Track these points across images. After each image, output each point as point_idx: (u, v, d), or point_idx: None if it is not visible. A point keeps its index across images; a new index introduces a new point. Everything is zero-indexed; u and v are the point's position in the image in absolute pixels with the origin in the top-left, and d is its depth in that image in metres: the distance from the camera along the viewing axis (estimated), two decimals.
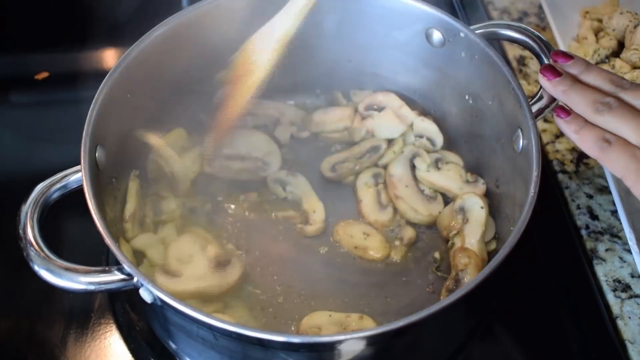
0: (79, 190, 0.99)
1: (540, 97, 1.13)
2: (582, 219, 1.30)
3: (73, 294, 1.19)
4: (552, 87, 1.02)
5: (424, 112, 1.34)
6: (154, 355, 1.15)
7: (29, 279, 1.11)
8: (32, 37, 1.65)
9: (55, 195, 1.00)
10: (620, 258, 1.25)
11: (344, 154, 1.31)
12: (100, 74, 1.12)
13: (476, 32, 1.19)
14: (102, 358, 1.15)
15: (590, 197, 1.33)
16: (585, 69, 1.02)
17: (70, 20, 1.68)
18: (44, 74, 1.55)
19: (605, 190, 1.33)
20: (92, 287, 0.92)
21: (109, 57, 1.63)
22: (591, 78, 1.02)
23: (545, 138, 1.41)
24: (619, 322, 1.17)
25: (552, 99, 1.12)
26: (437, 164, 1.28)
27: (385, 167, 1.30)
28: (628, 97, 0.98)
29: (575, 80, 1.02)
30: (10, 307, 1.21)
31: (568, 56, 1.04)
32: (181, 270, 1.11)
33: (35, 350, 1.16)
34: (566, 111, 1.01)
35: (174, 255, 1.13)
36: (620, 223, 1.22)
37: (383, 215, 1.23)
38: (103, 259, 1.23)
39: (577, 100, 1.00)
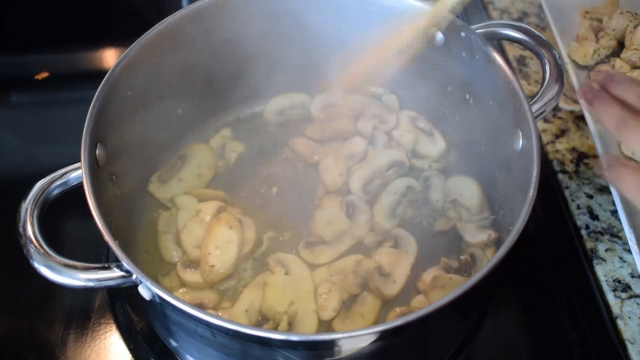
0: (80, 188, 1.00)
1: (540, 97, 1.13)
2: (582, 219, 1.29)
3: (73, 293, 1.20)
4: (582, 100, 0.99)
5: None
6: (154, 355, 1.15)
7: (29, 279, 1.12)
8: (32, 37, 1.66)
9: (56, 192, 1.01)
10: (620, 258, 1.24)
11: (366, 171, 1.29)
12: (100, 74, 1.12)
13: (477, 31, 1.19)
14: (102, 358, 1.15)
15: (590, 197, 1.33)
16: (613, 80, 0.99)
17: (70, 20, 1.68)
18: (44, 74, 1.56)
19: (605, 190, 1.33)
20: (91, 284, 0.92)
21: (109, 57, 1.64)
22: (618, 90, 0.99)
23: (545, 138, 1.41)
24: (619, 322, 1.17)
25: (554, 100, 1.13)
26: None
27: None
28: None
29: (602, 91, 0.98)
30: (10, 307, 1.21)
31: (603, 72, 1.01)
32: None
33: (35, 350, 1.16)
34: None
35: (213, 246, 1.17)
36: (620, 223, 1.22)
37: (387, 223, 1.23)
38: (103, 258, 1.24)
39: (600, 114, 0.97)
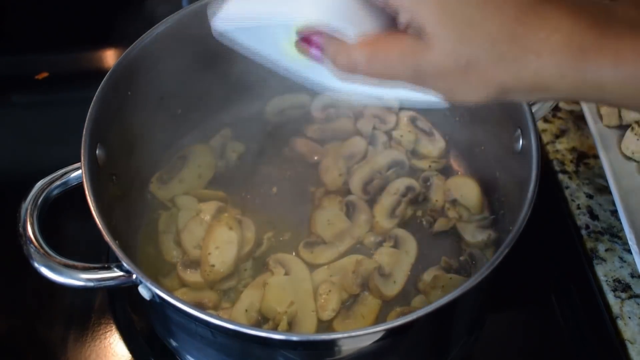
0: (80, 188, 1.00)
1: None
2: (582, 219, 1.29)
3: (73, 294, 1.20)
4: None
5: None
6: (153, 355, 1.15)
7: (29, 279, 1.12)
8: (32, 37, 1.66)
9: (56, 192, 1.01)
10: (620, 258, 1.24)
11: (366, 171, 1.29)
12: (100, 74, 1.12)
13: None
14: (102, 358, 1.15)
15: (590, 197, 1.33)
16: None
17: (70, 20, 1.68)
18: (44, 74, 1.55)
19: (605, 190, 1.33)
20: (91, 284, 0.93)
21: (109, 57, 1.64)
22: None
23: (545, 138, 1.41)
24: (619, 322, 1.17)
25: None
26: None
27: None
28: None
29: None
30: (10, 307, 1.21)
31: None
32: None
33: (35, 350, 1.16)
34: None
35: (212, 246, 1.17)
36: (620, 223, 1.22)
37: (387, 223, 1.23)
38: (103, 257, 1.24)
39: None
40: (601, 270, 1.23)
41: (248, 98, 1.36)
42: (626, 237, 1.19)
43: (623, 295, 1.20)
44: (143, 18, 1.24)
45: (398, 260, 1.17)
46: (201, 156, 1.31)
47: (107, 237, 0.94)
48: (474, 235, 1.20)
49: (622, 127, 1.34)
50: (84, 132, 1.04)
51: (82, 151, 1.02)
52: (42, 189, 0.99)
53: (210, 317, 0.87)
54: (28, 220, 0.96)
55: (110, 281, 0.93)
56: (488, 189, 1.25)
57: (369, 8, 0.75)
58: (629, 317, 1.17)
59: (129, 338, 1.17)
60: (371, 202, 1.25)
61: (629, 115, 1.33)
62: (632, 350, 1.14)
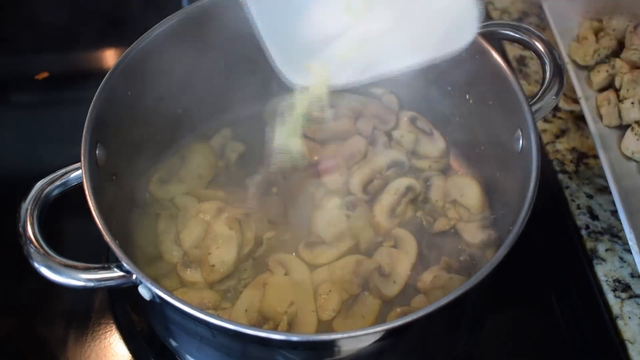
0: (80, 188, 1.00)
1: (540, 97, 1.13)
2: (582, 219, 1.29)
3: (73, 293, 1.20)
4: None
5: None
6: (153, 355, 1.16)
7: (29, 279, 1.12)
8: (32, 37, 1.66)
9: (56, 192, 1.01)
10: (620, 258, 1.24)
11: (366, 171, 1.30)
12: (100, 74, 1.12)
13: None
14: (102, 358, 1.15)
15: (590, 197, 1.33)
16: None
17: (70, 20, 1.68)
18: (44, 74, 1.56)
19: (605, 190, 1.33)
20: (91, 284, 0.93)
21: (109, 57, 1.64)
22: None
23: (545, 138, 1.41)
24: (619, 322, 1.17)
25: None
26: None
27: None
28: None
29: None
30: (10, 307, 1.21)
31: None
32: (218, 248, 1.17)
33: (35, 350, 1.16)
34: None
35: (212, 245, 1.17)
36: (620, 223, 1.22)
37: (386, 221, 1.23)
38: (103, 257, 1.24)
39: None
40: (601, 270, 1.23)
41: (248, 98, 1.36)
42: (626, 237, 1.19)
43: (623, 295, 1.20)
44: (143, 18, 1.24)
45: (398, 260, 1.17)
46: (201, 156, 1.31)
47: (107, 237, 0.94)
48: (474, 235, 1.20)
49: (622, 127, 1.34)
50: (84, 132, 1.04)
51: (82, 151, 1.02)
52: (42, 189, 0.99)
53: (210, 317, 0.87)
54: (28, 220, 0.96)
55: (110, 281, 0.93)
56: (488, 189, 1.25)
57: None
58: (629, 317, 1.17)
59: (129, 338, 1.17)
60: (371, 202, 1.25)
61: (629, 116, 1.33)
62: (632, 350, 1.14)
